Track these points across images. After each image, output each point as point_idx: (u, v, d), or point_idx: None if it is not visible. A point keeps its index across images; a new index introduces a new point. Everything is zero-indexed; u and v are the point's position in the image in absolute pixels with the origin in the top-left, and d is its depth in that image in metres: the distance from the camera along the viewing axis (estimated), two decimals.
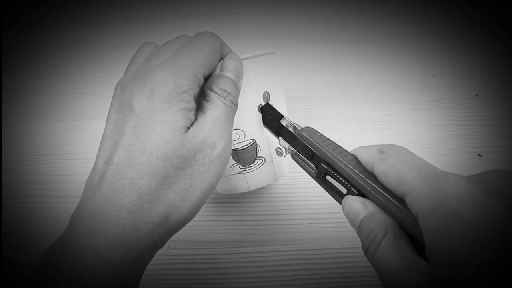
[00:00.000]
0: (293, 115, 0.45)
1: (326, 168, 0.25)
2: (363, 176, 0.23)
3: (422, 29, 0.53)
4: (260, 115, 0.31)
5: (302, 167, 0.28)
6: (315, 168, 0.27)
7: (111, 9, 0.56)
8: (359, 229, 0.23)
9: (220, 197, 0.39)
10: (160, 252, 0.34)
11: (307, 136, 0.27)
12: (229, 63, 0.27)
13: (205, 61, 0.25)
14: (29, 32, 0.54)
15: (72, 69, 0.50)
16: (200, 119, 0.25)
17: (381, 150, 0.22)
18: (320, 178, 0.26)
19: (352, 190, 0.24)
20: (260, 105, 0.31)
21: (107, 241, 0.21)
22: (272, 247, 0.36)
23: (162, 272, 0.35)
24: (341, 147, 0.26)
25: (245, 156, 0.32)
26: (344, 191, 0.25)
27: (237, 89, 0.27)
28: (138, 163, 0.22)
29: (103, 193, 0.22)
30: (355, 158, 0.24)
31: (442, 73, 0.48)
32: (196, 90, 0.25)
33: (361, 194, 0.24)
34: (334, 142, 0.26)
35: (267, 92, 0.32)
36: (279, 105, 0.32)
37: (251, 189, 0.33)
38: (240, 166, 0.32)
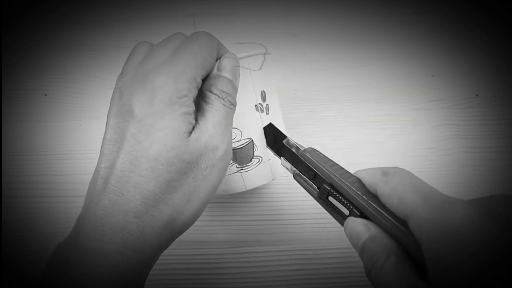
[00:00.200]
0: (293, 115, 0.45)
1: (329, 189, 0.26)
2: (365, 198, 0.23)
3: (422, 29, 0.53)
4: (257, 114, 0.31)
5: (304, 188, 0.28)
6: (317, 189, 0.27)
7: (111, 9, 0.56)
8: (361, 251, 0.23)
9: (219, 197, 0.39)
10: None
11: (310, 157, 0.27)
12: (226, 63, 0.27)
13: (203, 62, 0.25)
14: (29, 32, 0.54)
15: (72, 69, 0.50)
16: (201, 122, 0.25)
17: (385, 172, 0.22)
18: (322, 199, 0.26)
19: (354, 212, 0.24)
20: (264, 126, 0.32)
21: (115, 245, 0.21)
22: (271, 247, 0.36)
23: (161, 272, 0.35)
24: (344, 169, 0.26)
25: (241, 155, 0.32)
26: (346, 212, 0.25)
27: (235, 89, 0.27)
28: (143, 169, 0.22)
29: (108, 198, 0.22)
30: (358, 180, 0.24)
31: (442, 73, 0.48)
32: (195, 92, 0.25)
33: (363, 215, 0.24)
34: (337, 164, 0.26)
35: (263, 91, 0.32)
36: (273, 105, 0.32)
37: (248, 188, 0.33)
38: (237, 166, 0.32)
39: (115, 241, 0.21)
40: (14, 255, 0.36)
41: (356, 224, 0.23)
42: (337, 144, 0.42)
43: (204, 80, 0.26)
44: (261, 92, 0.32)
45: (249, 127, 0.31)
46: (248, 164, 0.32)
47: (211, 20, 0.55)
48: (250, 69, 0.30)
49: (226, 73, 0.27)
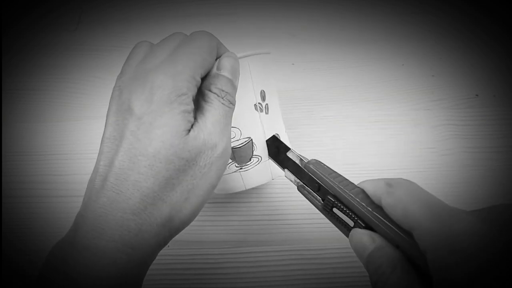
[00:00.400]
0: (293, 115, 0.45)
1: (333, 200, 0.26)
2: (370, 209, 0.23)
3: (422, 29, 0.53)
4: (256, 113, 0.31)
5: (309, 200, 0.28)
6: (321, 201, 0.27)
7: (111, 9, 0.56)
8: (367, 263, 0.23)
9: (219, 197, 0.39)
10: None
11: (314, 169, 0.27)
12: (226, 62, 0.27)
13: (202, 61, 0.25)
14: (29, 32, 0.54)
15: (72, 69, 0.50)
16: (200, 120, 0.25)
17: (389, 183, 0.22)
18: (326, 210, 0.26)
19: (359, 223, 0.24)
20: (267, 138, 0.32)
21: (114, 242, 0.21)
22: (271, 247, 0.36)
23: (161, 272, 0.35)
24: (348, 180, 0.26)
25: (241, 154, 0.32)
26: (351, 223, 0.25)
27: (234, 88, 0.27)
28: (142, 166, 0.22)
29: (107, 195, 0.22)
30: (362, 191, 0.24)
31: (442, 73, 0.48)
32: (194, 91, 0.25)
33: (368, 227, 0.24)
34: (341, 175, 0.26)
35: (263, 90, 0.32)
36: (273, 105, 0.32)
37: (247, 188, 0.33)
38: (236, 165, 0.32)
39: (113, 239, 0.21)
40: (14, 255, 0.36)
41: (361, 235, 0.23)
42: (337, 144, 0.42)
43: (204, 79, 0.26)
44: (261, 91, 0.32)
45: (248, 126, 0.31)
46: (247, 164, 0.32)
47: (211, 20, 0.55)
48: (250, 68, 0.30)
49: (225, 72, 0.27)
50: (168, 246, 0.36)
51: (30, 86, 0.48)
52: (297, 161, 0.29)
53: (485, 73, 0.48)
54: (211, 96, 0.26)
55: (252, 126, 0.31)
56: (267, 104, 0.32)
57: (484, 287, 0.17)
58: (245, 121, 0.31)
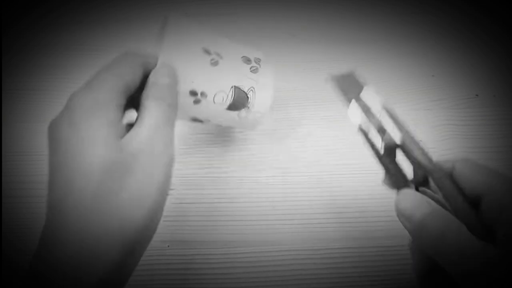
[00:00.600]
0: (293, 115, 0.45)
1: (403, 144, 0.26)
2: (439, 167, 0.24)
3: (422, 29, 0.53)
4: (244, 66, 0.33)
5: (368, 142, 0.28)
6: (382, 145, 0.27)
7: (111, 9, 0.56)
8: (421, 225, 0.23)
9: (219, 197, 0.39)
10: (158, 252, 0.34)
11: (391, 113, 0.27)
12: (160, 70, 0.28)
13: (120, 72, 0.26)
14: (29, 32, 0.54)
15: (72, 69, 0.50)
16: (136, 127, 0.25)
17: (459, 158, 0.25)
18: (389, 155, 0.26)
19: (419, 177, 0.25)
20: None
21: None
22: (272, 247, 0.36)
23: (161, 272, 0.35)
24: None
25: (236, 105, 0.33)
26: (411, 176, 0.25)
27: (172, 91, 0.28)
28: (76, 182, 0.23)
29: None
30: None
31: (442, 73, 0.48)
32: (119, 101, 0.25)
33: (423, 180, 0.25)
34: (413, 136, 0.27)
35: (258, 58, 0.35)
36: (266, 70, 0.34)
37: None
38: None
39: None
40: (14, 255, 0.36)
41: (416, 196, 0.24)
42: (337, 144, 0.42)
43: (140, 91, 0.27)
44: (255, 58, 0.34)
45: (231, 77, 0.32)
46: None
47: (211, 20, 0.55)
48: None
49: (160, 79, 0.28)
50: (168, 246, 0.36)
51: (30, 86, 0.48)
52: (371, 101, 0.29)
53: (485, 73, 0.48)
54: (146, 103, 0.26)
55: (237, 75, 0.33)
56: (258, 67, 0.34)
57: None
58: (228, 75, 0.32)
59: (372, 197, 0.38)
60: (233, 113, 0.34)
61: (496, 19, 0.53)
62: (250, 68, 0.33)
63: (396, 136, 0.27)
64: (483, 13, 0.54)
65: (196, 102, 0.31)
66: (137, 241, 0.24)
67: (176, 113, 0.27)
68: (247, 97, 0.33)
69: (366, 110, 0.29)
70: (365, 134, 0.28)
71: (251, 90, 0.33)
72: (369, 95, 0.29)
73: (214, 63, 0.31)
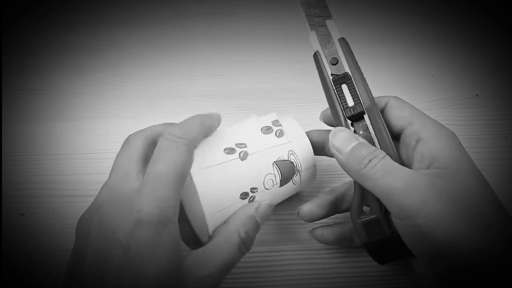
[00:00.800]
0: (295, 115, 0.45)
1: (350, 78, 0.29)
2: (375, 102, 0.29)
3: (422, 29, 0.53)
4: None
5: (319, 68, 0.30)
6: (330, 74, 0.30)
7: (111, 9, 0.56)
8: (353, 152, 0.27)
9: None
10: None
11: (345, 46, 0.30)
12: (265, 208, 0.29)
13: (182, 175, 0.24)
14: (29, 32, 0.54)
15: (72, 69, 0.50)
16: (206, 254, 0.25)
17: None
18: (336, 83, 0.29)
19: (358, 106, 0.29)
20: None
21: None
22: (272, 247, 0.36)
23: None
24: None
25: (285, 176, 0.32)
26: (351, 104, 0.29)
27: (255, 236, 0.28)
28: None
29: None
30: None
31: (442, 73, 0.48)
32: (178, 208, 0.24)
33: (359, 115, 0.29)
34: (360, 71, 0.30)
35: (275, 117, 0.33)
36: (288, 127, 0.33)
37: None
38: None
39: None
40: (14, 255, 0.36)
41: (346, 131, 0.28)
42: None
43: (230, 218, 0.28)
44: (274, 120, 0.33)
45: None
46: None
47: (211, 20, 0.55)
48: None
49: (259, 218, 0.28)
50: None
51: (30, 86, 0.48)
52: (329, 32, 0.31)
53: (485, 73, 0.48)
54: (231, 237, 0.26)
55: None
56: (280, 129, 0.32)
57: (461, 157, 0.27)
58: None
59: None
60: (288, 185, 0.32)
61: (496, 19, 0.53)
62: (276, 135, 0.31)
63: (345, 69, 0.29)
64: (483, 13, 0.54)
65: (251, 199, 0.30)
66: None
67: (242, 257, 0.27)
68: (292, 162, 0.31)
69: (326, 38, 0.30)
70: (318, 62, 0.30)
71: (291, 153, 0.31)
72: (331, 26, 0.31)
73: (244, 157, 0.29)
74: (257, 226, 0.28)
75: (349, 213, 0.30)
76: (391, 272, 0.34)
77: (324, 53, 0.30)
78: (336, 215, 0.34)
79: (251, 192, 0.30)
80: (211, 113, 0.29)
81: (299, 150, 0.32)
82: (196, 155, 0.26)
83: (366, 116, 0.29)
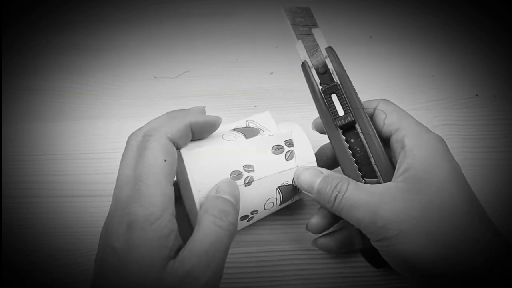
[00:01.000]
0: (294, 115, 0.45)
1: (339, 88, 0.29)
2: (365, 108, 0.29)
3: (422, 30, 0.53)
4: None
5: (307, 78, 0.30)
6: (320, 84, 0.30)
7: (112, 9, 0.56)
8: (320, 190, 0.27)
9: None
10: None
11: (332, 55, 0.30)
12: (225, 186, 0.26)
13: (171, 170, 0.24)
14: (29, 32, 0.54)
15: (72, 69, 0.50)
16: (186, 249, 0.23)
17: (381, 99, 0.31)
18: (326, 93, 0.29)
19: (349, 115, 0.28)
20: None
21: None
22: (272, 247, 0.36)
23: None
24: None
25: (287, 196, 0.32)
26: (341, 113, 0.29)
27: (236, 212, 0.26)
28: None
29: None
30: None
31: (442, 73, 0.48)
32: (171, 207, 0.24)
33: (350, 124, 0.29)
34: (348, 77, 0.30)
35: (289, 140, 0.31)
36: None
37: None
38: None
39: None
40: (14, 255, 0.36)
41: (308, 170, 0.29)
42: None
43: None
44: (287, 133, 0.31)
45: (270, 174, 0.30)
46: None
47: (211, 20, 0.55)
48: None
49: (226, 195, 0.26)
50: None
51: (30, 86, 0.48)
52: (316, 41, 0.30)
53: (485, 73, 0.48)
54: (205, 220, 0.24)
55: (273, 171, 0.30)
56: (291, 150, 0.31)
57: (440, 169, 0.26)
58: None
59: None
60: (287, 202, 0.33)
61: (496, 20, 0.53)
62: (285, 157, 0.30)
63: (334, 78, 0.29)
64: (483, 13, 0.54)
65: (249, 220, 0.31)
66: None
67: (233, 237, 0.25)
68: (295, 186, 0.30)
69: (313, 47, 0.30)
70: (306, 72, 0.30)
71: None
72: (317, 35, 0.30)
73: (249, 183, 0.28)
74: (226, 201, 0.26)
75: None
76: (390, 272, 0.34)
77: (312, 62, 0.30)
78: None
79: (251, 214, 0.30)
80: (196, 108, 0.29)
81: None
82: (203, 171, 0.26)
83: (357, 125, 0.29)
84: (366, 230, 0.26)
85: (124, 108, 0.46)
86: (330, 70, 0.29)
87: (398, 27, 0.53)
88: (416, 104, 0.45)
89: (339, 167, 0.30)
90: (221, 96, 0.47)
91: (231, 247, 0.35)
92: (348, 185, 0.27)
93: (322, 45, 0.30)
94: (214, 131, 0.29)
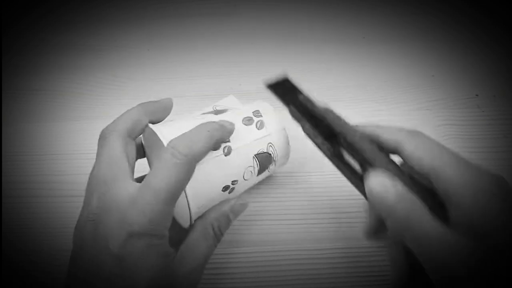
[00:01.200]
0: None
1: (346, 145, 0.26)
2: (384, 155, 0.25)
3: (422, 30, 0.53)
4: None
5: (316, 144, 0.28)
6: (330, 147, 0.27)
7: (112, 9, 0.56)
8: (390, 211, 0.23)
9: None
10: None
11: (327, 116, 0.28)
12: (240, 208, 0.30)
13: (179, 186, 0.25)
14: (29, 32, 0.54)
15: (72, 69, 0.50)
16: (185, 251, 0.27)
17: (408, 131, 0.25)
18: (336, 156, 0.27)
19: (368, 168, 0.25)
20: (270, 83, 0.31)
21: None
22: (272, 247, 0.36)
23: None
24: (359, 131, 0.27)
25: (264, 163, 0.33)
26: (359, 169, 0.25)
27: (228, 226, 0.30)
28: None
29: None
30: (371, 140, 0.26)
31: (442, 73, 0.48)
32: (170, 220, 0.25)
33: None
34: (353, 126, 0.27)
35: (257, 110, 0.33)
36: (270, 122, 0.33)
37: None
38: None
39: None
40: (14, 255, 0.36)
41: (382, 178, 0.23)
42: None
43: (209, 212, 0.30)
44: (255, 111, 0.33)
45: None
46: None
47: (211, 20, 0.55)
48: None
49: (232, 216, 0.30)
50: None
51: (30, 86, 0.48)
52: (309, 105, 0.29)
53: (485, 73, 0.48)
54: (208, 235, 0.28)
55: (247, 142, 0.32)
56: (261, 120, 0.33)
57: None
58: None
59: None
60: (263, 174, 0.34)
61: (496, 20, 0.53)
62: (257, 126, 0.32)
63: (337, 135, 0.27)
64: (483, 14, 0.54)
65: (231, 191, 0.31)
66: None
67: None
68: (270, 154, 0.33)
69: (306, 112, 0.29)
70: (310, 138, 0.29)
71: (270, 145, 0.32)
72: (305, 98, 0.30)
73: (228, 152, 0.30)
74: (229, 223, 0.30)
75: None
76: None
77: (310, 126, 0.28)
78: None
79: (232, 184, 0.31)
80: (223, 122, 0.29)
81: (278, 142, 0.33)
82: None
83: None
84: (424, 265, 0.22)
85: (124, 108, 0.46)
86: (331, 127, 0.27)
87: (398, 27, 0.53)
88: (416, 104, 0.45)
89: None
90: (221, 96, 0.47)
91: (231, 247, 0.36)
92: (422, 216, 0.22)
93: (315, 106, 0.29)
94: (169, 111, 0.31)
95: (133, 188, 0.24)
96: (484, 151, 0.41)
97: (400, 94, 0.47)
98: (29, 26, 0.55)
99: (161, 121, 0.31)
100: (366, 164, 0.25)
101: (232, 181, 0.31)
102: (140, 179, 0.26)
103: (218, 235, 0.29)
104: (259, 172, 0.33)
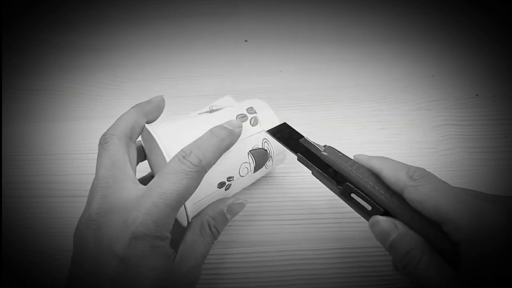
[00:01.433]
0: (294, 115, 0.45)
1: (352, 186, 0.27)
2: (389, 196, 0.26)
3: (422, 30, 0.53)
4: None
5: (325, 185, 0.29)
6: (338, 186, 0.28)
7: (112, 9, 0.56)
8: (391, 248, 0.25)
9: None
10: None
11: (330, 156, 0.28)
12: (237, 208, 0.31)
13: (187, 193, 0.26)
14: (29, 32, 0.54)
15: (72, 69, 0.50)
16: (184, 253, 0.27)
17: (411, 176, 0.24)
18: (345, 195, 0.28)
19: (378, 208, 0.26)
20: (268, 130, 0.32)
21: None
22: (271, 247, 0.36)
23: None
24: (364, 167, 0.27)
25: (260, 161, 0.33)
26: (369, 208, 0.26)
27: (225, 225, 0.31)
28: None
29: None
30: (379, 179, 0.26)
31: (442, 73, 0.48)
32: (172, 223, 0.25)
33: (387, 213, 0.26)
34: (356, 162, 0.28)
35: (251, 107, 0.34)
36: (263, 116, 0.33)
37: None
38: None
39: None
40: (14, 255, 0.36)
41: (383, 222, 0.25)
42: (337, 144, 0.42)
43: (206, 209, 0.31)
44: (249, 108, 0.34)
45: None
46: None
47: (211, 20, 0.55)
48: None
49: (229, 215, 0.31)
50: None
51: (30, 86, 0.48)
52: (312, 149, 0.30)
53: (485, 73, 0.48)
54: (206, 233, 0.29)
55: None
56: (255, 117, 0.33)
57: None
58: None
59: None
60: (261, 170, 0.34)
61: (496, 20, 0.53)
62: (251, 123, 0.32)
63: (344, 176, 0.28)
64: (483, 14, 0.54)
65: (227, 187, 0.32)
66: None
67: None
68: (266, 150, 0.33)
69: (312, 157, 0.30)
70: (320, 179, 0.29)
71: (265, 141, 0.33)
72: (306, 141, 0.31)
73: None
74: (225, 221, 0.31)
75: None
76: (391, 273, 0.34)
77: (318, 169, 0.29)
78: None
79: (228, 181, 0.31)
80: (232, 123, 0.30)
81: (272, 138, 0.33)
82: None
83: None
84: None
85: (124, 108, 0.46)
86: (337, 170, 0.28)
87: (398, 27, 0.53)
88: (416, 104, 0.45)
89: None
90: (221, 96, 0.47)
91: (231, 247, 0.36)
92: (421, 256, 0.24)
93: (318, 149, 0.29)
94: (162, 109, 0.32)
95: (138, 190, 0.25)
96: (484, 151, 0.41)
97: (400, 94, 0.47)
98: (29, 26, 0.55)
99: (156, 119, 0.32)
100: (375, 204, 0.26)
101: (228, 178, 0.31)
102: (140, 180, 0.26)
103: (215, 234, 0.30)
104: (256, 169, 0.33)
